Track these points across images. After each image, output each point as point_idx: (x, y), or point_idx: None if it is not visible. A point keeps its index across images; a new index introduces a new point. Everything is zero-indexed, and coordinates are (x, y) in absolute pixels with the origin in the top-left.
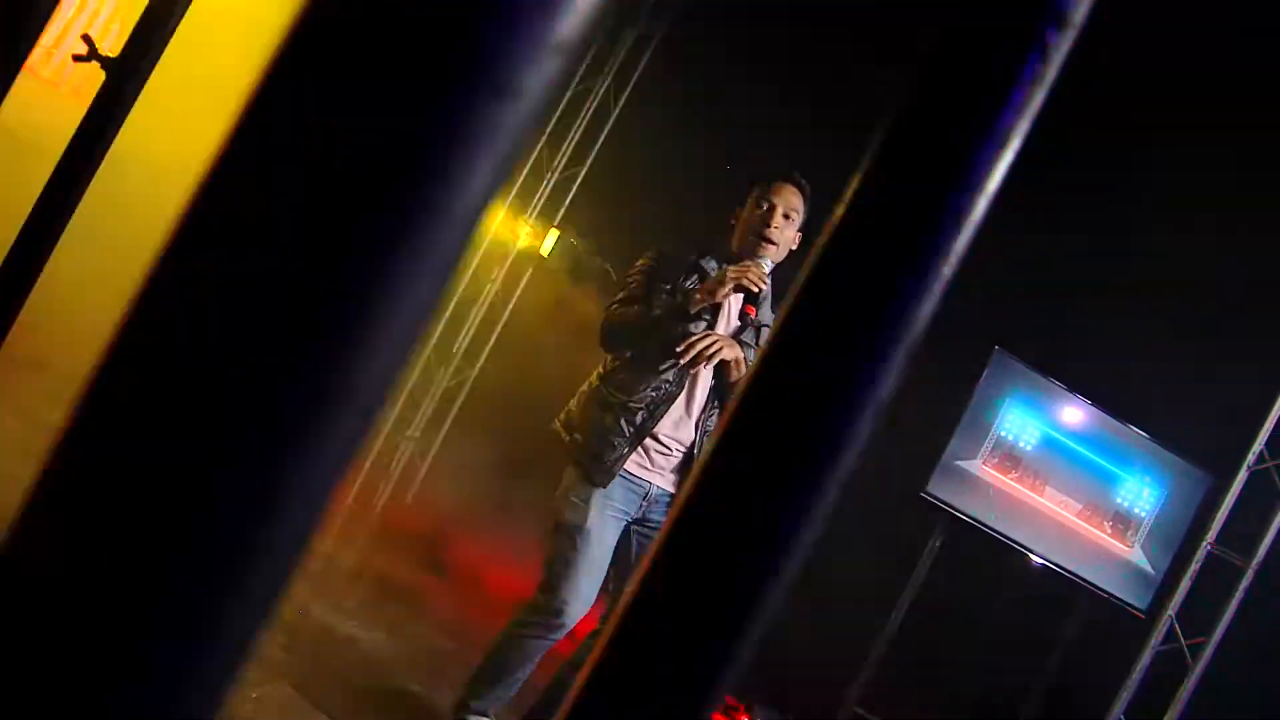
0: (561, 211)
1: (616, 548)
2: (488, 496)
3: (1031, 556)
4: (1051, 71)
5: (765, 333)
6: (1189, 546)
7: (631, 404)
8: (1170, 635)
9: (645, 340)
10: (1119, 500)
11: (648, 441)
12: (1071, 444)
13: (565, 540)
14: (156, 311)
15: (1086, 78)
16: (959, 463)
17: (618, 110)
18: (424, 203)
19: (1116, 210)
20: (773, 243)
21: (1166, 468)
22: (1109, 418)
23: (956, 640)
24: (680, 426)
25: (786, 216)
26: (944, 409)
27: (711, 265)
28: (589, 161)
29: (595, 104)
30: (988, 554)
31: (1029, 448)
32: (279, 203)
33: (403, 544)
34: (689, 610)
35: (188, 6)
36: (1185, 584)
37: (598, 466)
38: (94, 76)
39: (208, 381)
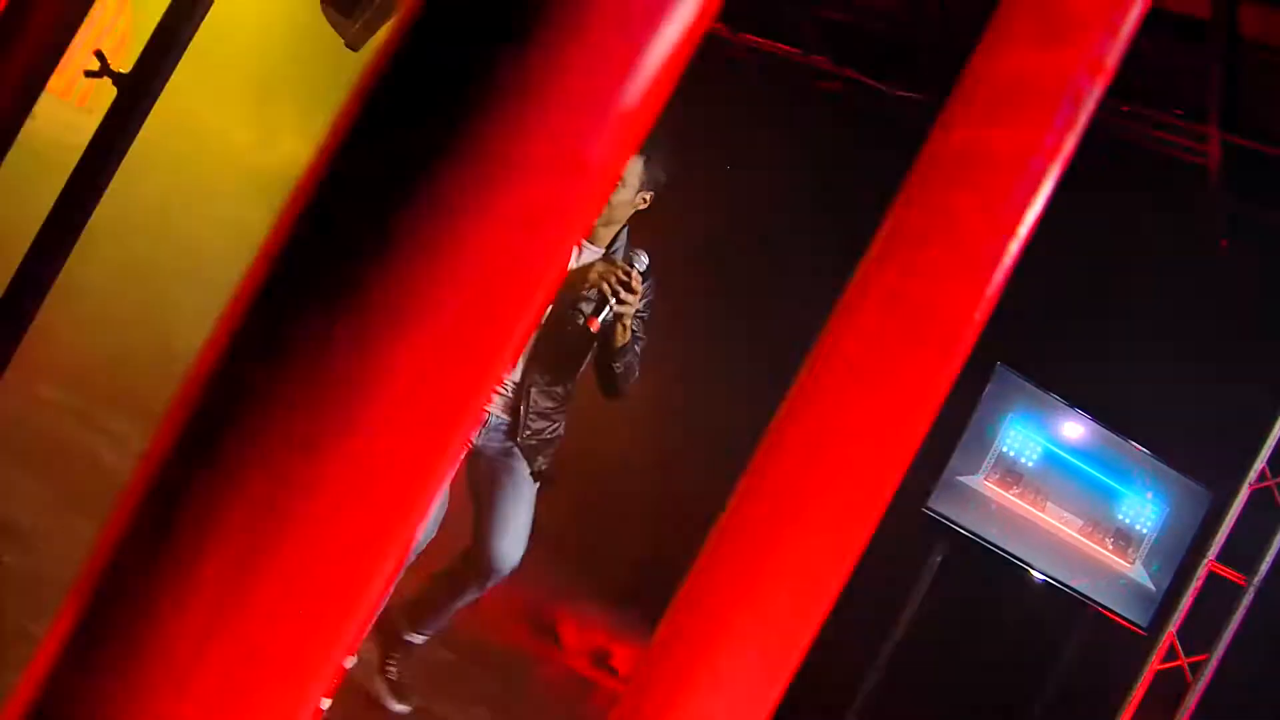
0: None
1: (471, 479)
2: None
3: (1033, 572)
4: (1082, 118)
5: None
6: (1190, 564)
7: None
8: (1171, 653)
9: None
10: (1120, 517)
11: None
12: (1073, 460)
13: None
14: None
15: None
16: (961, 479)
17: None
18: (488, 275)
19: (1119, 226)
20: (612, 220)
21: (1168, 484)
22: (1111, 434)
23: (957, 657)
24: (509, 387)
25: (627, 186)
26: (946, 425)
27: None
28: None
29: None
30: (989, 570)
31: (1031, 464)
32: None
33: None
34: None
35: (199, 24)
36: (1186, 601)
37: None
38: (106, 91)
39: None
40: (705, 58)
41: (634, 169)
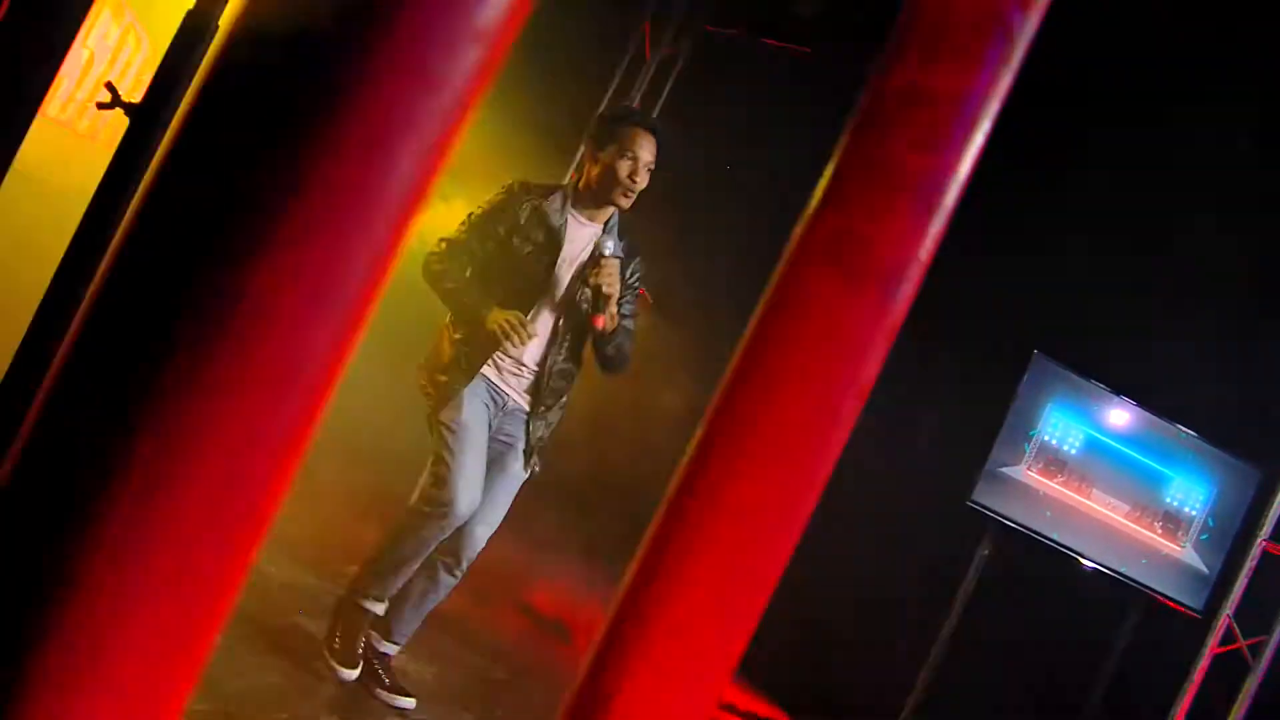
0: None
1: None
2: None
3: (1082, 561)
4: (1016, 53)
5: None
6: (1242, 544)
7: (467, 345)
8: (1228, 636)
9: (451, 295)
10: (1168, 500)
11: (500, 360)
12: (1116, 445)
13: (445, 434)
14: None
15: (1122, 70)
16: (1003, 470)
17: None
18: (346, 183)
19: (1154, 206)
20: (634, 194)
21: (1214, 465)
22: (1153, 417)
23: (1009, 650)
24: (528, 352)
25: (647, 169)
26: (985, 416)
27: (554, 205)
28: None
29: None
30: (1037, 560)
31: (1073, 451)
32: (208, 189)
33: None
34: None
35: (206, 51)
36: (1241, 582)
37: (453, 383)
38: (118, 123)
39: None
40: (732, 60)
41: (651, 152)
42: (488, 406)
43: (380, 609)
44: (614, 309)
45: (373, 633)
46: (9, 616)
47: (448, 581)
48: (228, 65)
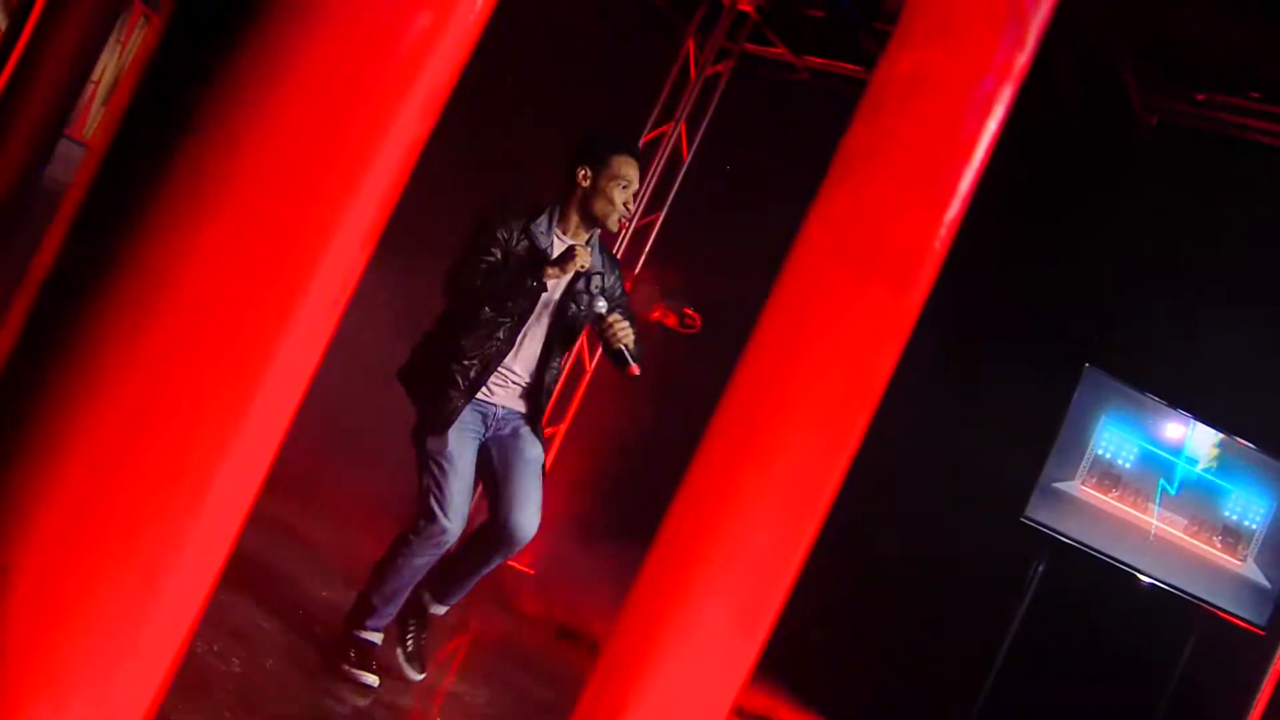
0: (641, 259)
1: (481, 465)
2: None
3: (1140, 577)
4: (1030, 36)
5: (595, 280)
6: None
7: (467, 359)
8: None
9: (479, 304)
10: (1227, 513)
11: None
12: (1172, 458)
13: (433, 467)
14: None
15: (1173, 83)
16: (1057, 485)
17: (692, 152)
18: (291, 150)
19: (1208, 214)
20: (626, 218)
21: (1274, 476)
22: (1209, 427)
23: (1068, 669)
24: (519, 361)
25: (634, 195)
26: (1038, 431)
27: (541, 228)
28: (665, 209)
29: (669, 149)
30: (1094, 577)
31: (1128, 465)
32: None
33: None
34: None
35: None
36: None
37: (436, 416)
38: None
39: None
40: (766, 85)
41: (638, 179)
42: (474, 430)
43: (377, 638)
44: (629, 340)
45: (426, 593)
46: None
47: (499, 562)
48: (169, 38)
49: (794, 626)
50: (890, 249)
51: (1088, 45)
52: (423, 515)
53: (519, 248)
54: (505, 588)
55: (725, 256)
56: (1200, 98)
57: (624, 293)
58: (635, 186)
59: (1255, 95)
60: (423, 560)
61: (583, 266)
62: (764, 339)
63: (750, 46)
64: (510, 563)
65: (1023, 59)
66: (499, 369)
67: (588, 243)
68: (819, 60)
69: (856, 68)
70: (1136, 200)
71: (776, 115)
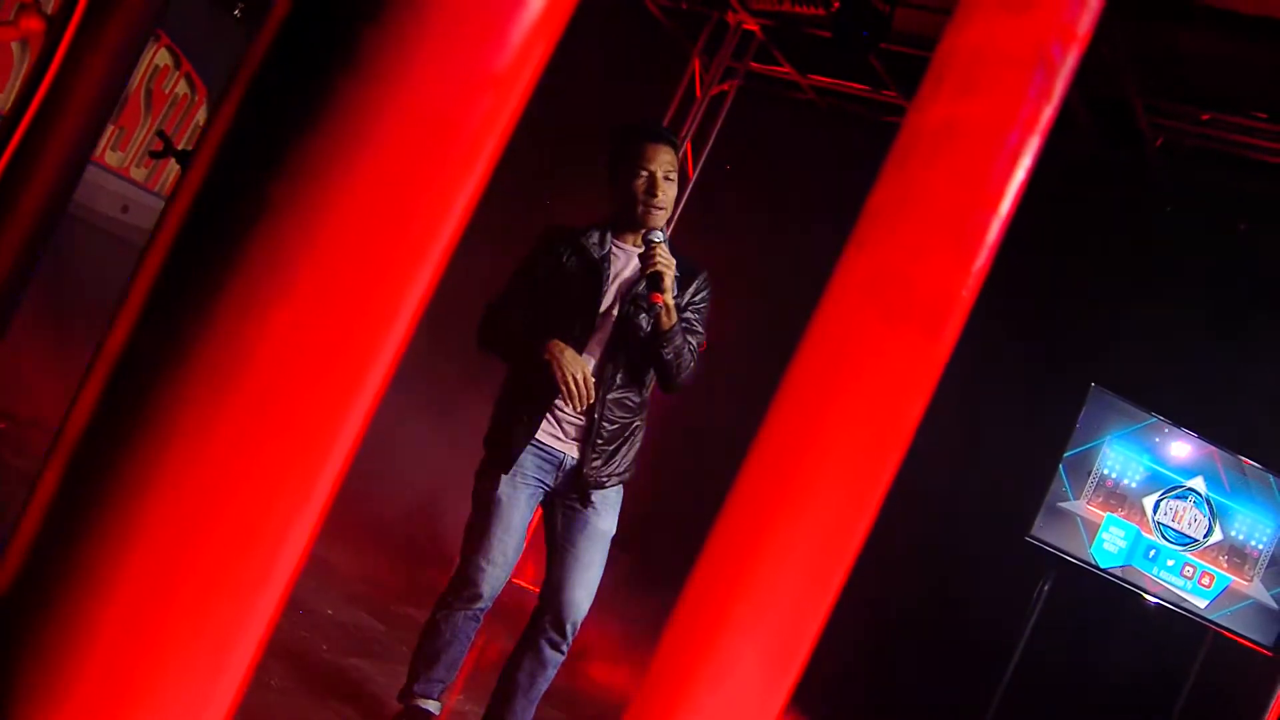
0: None
1: (545, 526)
2: None
3: (1146, 597)
4: (1057, 87)
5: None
6: None
7: (533, 394)
8: None
9: (512, 354)
10: (1233, 533)
11: (558, 413)
12: (1177, 478)
13: (478, 512)
14: None
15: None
16: (1063, 505)
17: (698, 170)
18: (358, 239)
19: (1207, 238)
20: (660, 208)
21: None
22: (1215, 448)
23: (1073, 689)
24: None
25: (667, 178)
26: (1043, 450)
27: (593, 239)
28: (670, 226)
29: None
30: (1100, 597)
31: (1134, 484)
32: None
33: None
34: None
35: None
36: None
37: (501, 454)
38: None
39: None
40: (772, 104)
41: (663, 162)
42: (534, 480)
43: (435, 707)
44: (670, 301)
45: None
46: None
47: (554, 659)
48: (238, 111)
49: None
50: (920, 296)
51: (1093, 65)
52: (460, 563)
53: (570, 264)
54: (511, 608)
55: (732, 274)
56: (1205, 117)
57: (703, 300)
58: (654, 167)
59: (1261, 115)
60: (459, 614)
61: (661, 266)
62: (796, 382)
63: (756, 65)
64: (521, 583)
65: (1049, 111)
66: (561, 409)
67: (648, 244)
68: (825, 79)
69: (863, 87)
70: (1142, 219)
71: (782, 134)
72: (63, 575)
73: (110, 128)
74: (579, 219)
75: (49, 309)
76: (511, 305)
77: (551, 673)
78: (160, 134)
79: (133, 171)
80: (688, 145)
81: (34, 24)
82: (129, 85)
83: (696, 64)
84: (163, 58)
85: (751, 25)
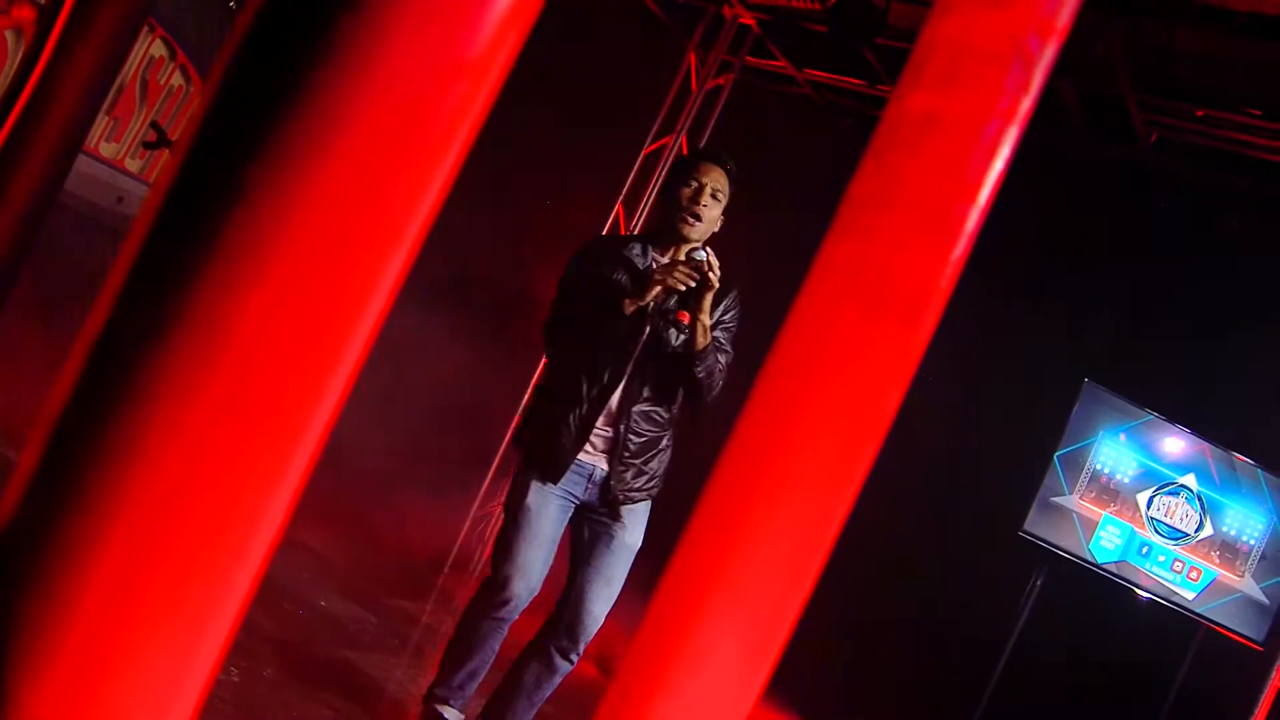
0: None
1: (571, 536)
2: None
3: (1138, 591)
4: (1035, 80)
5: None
6: None
7: (576, 401)
8: None
9: (587, 342)
10: (1225, 529)
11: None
12: (1170, 474)
13: (509, 521)
14: None
15: (1168, 108)
16: (1055, 500)
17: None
18: (331, 223)
19: (1201, 235)
20: (697, 218)
21: (1273, 492)
22: (1207, 444)
23: (1065, 682)
24: (611, 410)
25: (714, 196)
26: (1036, 446)
27: (635, 250)
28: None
29: (671, 161)
30: (1092, 591)
31: (1126, 480)
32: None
33: None
34: None
35: None
36: None
37: (550, 466)
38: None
39: None
40: (767, 98)
41: (715, 178)
42: (564, 491)
43: (455, 716)
44: (705, 319)
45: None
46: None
47: (563, 667)
48: (217, 97)
49: (792, 640)
50: (899, 286)
51: (1088, 62)
52: (492, 572)
53: (619, 276)
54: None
55: (727, 267)
56: (1200, 114)
57: (732, 319)
58: (705, 180)
59: (1255, 112)
60: (487, 621)
61: (684, 286)
62: (774, 372)
63: (752, 59)
64: None
65: (1027, 103)
66: (601, 420)
67: (688, 254)
68: (820, 73)
69: (858, 81)
70: (1136, 216)
71: (778, 127)
72: (44, 548)
73: (105, 119)
74: (579, 218)
75: (43, 299)
76: (575, 298)
77: (558, 680)
78: (154, 125)
79: (127, 163)
80: (683, 139)
81: (26, 12)
82: (124, 76)
83: (692, 58)
84: (158, 49)
85: (747, 19)
